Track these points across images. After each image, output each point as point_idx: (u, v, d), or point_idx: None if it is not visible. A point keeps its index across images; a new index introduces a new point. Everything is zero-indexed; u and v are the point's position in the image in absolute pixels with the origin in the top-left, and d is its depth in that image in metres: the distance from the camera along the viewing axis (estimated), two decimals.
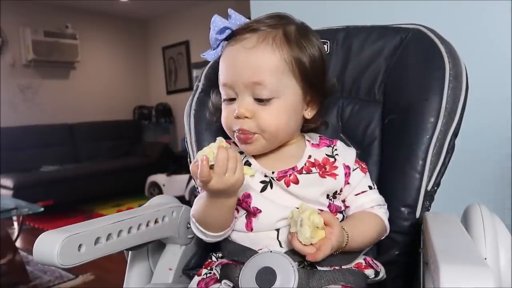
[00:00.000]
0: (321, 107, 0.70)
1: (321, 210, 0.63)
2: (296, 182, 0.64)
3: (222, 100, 0.67)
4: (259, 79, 0.60)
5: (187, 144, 0.88)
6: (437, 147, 0.70)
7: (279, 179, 0.65)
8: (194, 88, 0.89)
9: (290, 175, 0.65)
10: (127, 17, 5.32)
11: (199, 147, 0.85)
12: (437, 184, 0.72)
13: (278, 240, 0.62)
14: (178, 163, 3.84)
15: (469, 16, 1.19)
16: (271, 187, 0.65)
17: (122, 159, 4.70)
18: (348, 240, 0.59)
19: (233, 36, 0.64)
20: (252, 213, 0.64)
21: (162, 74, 5.53)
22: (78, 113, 4.81)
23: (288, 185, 0.64)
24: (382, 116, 0.79)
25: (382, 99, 0.80)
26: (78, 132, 4.66)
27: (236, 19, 0.64)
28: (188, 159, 0.87)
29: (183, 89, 5.21)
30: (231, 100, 0.64)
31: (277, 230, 0.63)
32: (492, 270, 0.54)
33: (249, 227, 0.64)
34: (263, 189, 0.65)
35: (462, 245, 0.48)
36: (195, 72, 5.01)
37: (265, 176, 0.66)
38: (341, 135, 0.82)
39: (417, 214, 0.71)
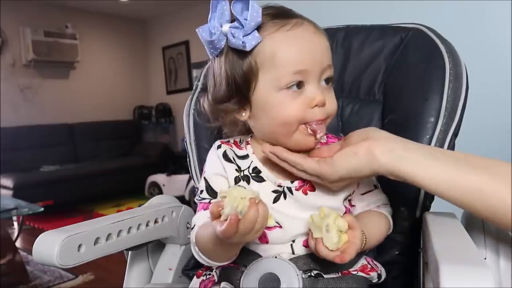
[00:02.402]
0: None
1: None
2: (313, 189, 0.61)
3: (280, 93, 0.57)
4: (331, 61, 0.59)
5: (186, 144, 0.87)
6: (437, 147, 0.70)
7: (298, 189, 0.61)
8: (194, 88, 0.89)
9: (307, 183, 0.61)
10: (127, 17, 5.32)
11: (198, 147, 0.85)
12: None
13: (292, 247, 0.61)
14: (178, 163, 3.84)
15: (469, 16, 1.19)
16: (285, 197, 0.61)
17: (122, 159, 4.70)
18: (366, 242, 0.58)
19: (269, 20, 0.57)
20: (266, 227, 0.59)
21: (162, 74, 5.53)
22: (78, 113, 4.82)
23: (306, 194, 0.61)
24: (382, 116, 0.79)
25: (382, 98, 0.80)
26: (78, 132, 4.67)
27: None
28: (188, 159, 0.87)
29: (183, 89, 5.21)
30: (298, 87, 0.57)
31: (293, 240, 0.61)
32: (492, 270, 0.54)
33: (264, 241, 0.61)
34: (275, 200, 0.61)
35: (462, 245, 0.48)
36: (195, 72, 5.01)
37: (279, 186, 0.61)
38: (341, 134, 0.82)
39: (417, 214, 0.71)
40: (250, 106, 0.60)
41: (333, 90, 0.61)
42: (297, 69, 0.56)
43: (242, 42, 0.55)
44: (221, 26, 0.57)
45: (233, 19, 0.57)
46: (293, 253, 0.61)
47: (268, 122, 0.60)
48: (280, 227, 0.60)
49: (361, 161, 0.53)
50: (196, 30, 0.59)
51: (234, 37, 0.56)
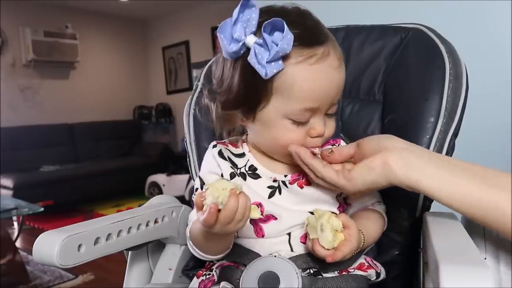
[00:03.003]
0: None
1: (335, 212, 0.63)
2: (308, 183, 0.62)
3: (286, 120, 0.58)
4: (339, 97, 0.59)
5: (186, 144, 0.87)
6: (437, 147, 0.70)
7: (292, 182, 0.62)
8: (194, 88, 0.89)
9: (302, 177, 0.63)
10: (127, 17, 5.32)
11: (198, 147, 0.85)
12: None
13: (290, 244, 0.61)
14: (178, 163, 3.84)
15: (469, 16, 1.19)
16: (280, 192, 0.62)
17: (122, 159, 4.70)
18: (364, 241, 0.59)
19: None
20: (262, 220, 0.62)
21: (162, 74, 5.53)
22: (78, 113, 4.81)
23: (301, 187, 0.62)
24: (382, 116, 0.79)
25: (382, 99, 0.80)
26: (78, 132, 4.67)
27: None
28: (188, 159, 0.87)
29: (183, 89, 5.21)
30: (304, 122, 0.58)
31: (289, 234, 0.62)
32: (492, 270, 0.54)
33: (260, 234, 0.62)
34: (270, 195, 0.62)
35: (462, 245, 0.48)
36: (195, 72, 5.01)
37: (274, 181, 0.63)
38: (341, 134, 0.82)
39: (417, 214, 0.71)
40: (253, 118, 0.60)
41: (332, 121, 0.61)
42: (310, 106, 0.56)
43: (265, 70, 0.52)
44: (245, 36, 0.53)
45: (258, 30, 0.53)
46: (292, 250, 0.61)
47: (267, 138, 0.61)
48: (276, 218, 0.61)
49: (378, 175, 0.54)
50: (217, 32, 0.55)
51: (257, 57, 0.52)
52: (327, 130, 0.60)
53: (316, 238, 0.55)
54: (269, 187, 0.63)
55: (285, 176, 0.63)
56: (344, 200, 0.68)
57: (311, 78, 0.55)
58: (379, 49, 0.81)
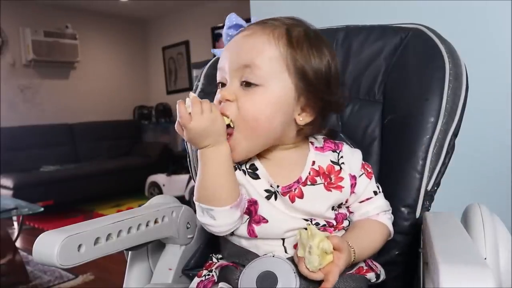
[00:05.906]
0: (320, 117, 0.64)
1: (329, 226, 0.63)
2: (301, 196, 0.61)
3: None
4: (248, 62, 0.59)
5: (186, 144, 0.87)
6: (437, 147, 0.70)
7: (283, 194, 0.62)
8: (194, 87, 0.89)
9: (295, 189, 0.62)
10: (127, 17, 5.32)
11: None
12: (437, 184, 0.72)
13: (284, 246, 0.61)
14: (178, 163, 3.84)
15: (469, 16, 1.19)
16: (275, 198, 0.62)
17: (122, 159, 4.70)
18: (355, 257, 0.59)
19: None
20: (255, 221, 0.62)
21: (162, 74, 5.53)
22: (78, 113, 4.81)
23: (293, 201, 0.61)
24: (382, 116, 0.79)
25: (382, 99, 0.80)
26: (78, 132, 4.66)
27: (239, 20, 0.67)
28: (188, 159, 0.87)
29: (183, 89, 5.20)
30: (222, 85, 0.63)
31: (283, 239, 0.61)
32: (492, 270, 0.54)
33: (253, 234, 0.62)
34: (267, 198, 0.62)
35: (462, 245, 0.48)
36: (195, 72, 4.99)
37: (271, 186, 0.63)
38: (341, 135, 0.82)
39: (417, 214, 0.71)
40: None
41: (257, 94, 0.59)
42: (218, 66, 0.64)
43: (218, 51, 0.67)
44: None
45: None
46: (285, 251, 0.61)
47: None
48: (266, 221, 0.61)
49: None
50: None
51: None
52: (241, 106, 0.59)
53: (302, 257, 0.55)
54: (266, 190, 0.63)
55: (278, 186, 0.62)
56: (347, 208, 0.67)
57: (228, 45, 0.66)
58: (379, 49, 0.81)
